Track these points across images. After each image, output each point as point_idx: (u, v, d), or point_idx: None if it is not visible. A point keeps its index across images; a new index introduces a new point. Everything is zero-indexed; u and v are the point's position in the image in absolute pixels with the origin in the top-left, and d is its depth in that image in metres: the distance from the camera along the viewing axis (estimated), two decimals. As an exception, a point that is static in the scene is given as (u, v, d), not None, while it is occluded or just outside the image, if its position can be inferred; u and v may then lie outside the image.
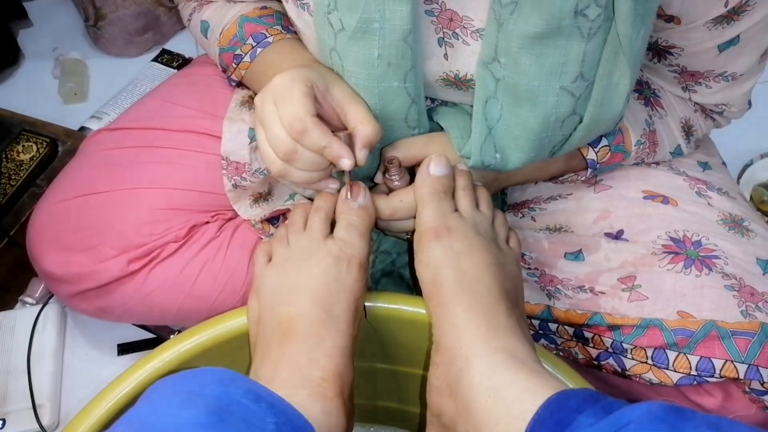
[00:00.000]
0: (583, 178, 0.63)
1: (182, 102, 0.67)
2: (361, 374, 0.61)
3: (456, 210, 0.51)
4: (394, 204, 0.53)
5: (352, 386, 0.47)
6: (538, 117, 0.50)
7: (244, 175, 0.63)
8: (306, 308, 0.46)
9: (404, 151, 0.56)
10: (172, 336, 0.81)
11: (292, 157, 0.48)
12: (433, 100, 0.61)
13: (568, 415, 0.35)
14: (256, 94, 0.66)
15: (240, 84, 0.65)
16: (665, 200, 0.59)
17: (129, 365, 0.51)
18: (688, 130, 0.63)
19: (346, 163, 0.48)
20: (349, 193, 0.52)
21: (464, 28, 0.51)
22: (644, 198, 0.60)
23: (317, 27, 0.52)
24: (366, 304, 0.53)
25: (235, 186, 0.64)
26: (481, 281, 0.46)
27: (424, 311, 0.52)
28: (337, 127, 0.53)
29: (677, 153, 0.64)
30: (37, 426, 0.72)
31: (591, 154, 0.60)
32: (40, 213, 0.65)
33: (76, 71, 1.12)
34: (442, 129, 0.58)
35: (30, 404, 0.74)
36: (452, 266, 0.47)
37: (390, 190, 0.56)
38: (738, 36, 0.52)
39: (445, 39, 0.52)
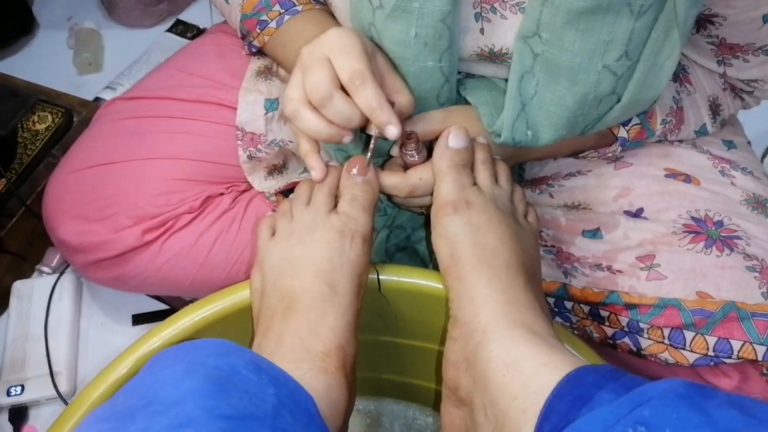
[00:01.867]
0: (605, 155, 0.62)
1: (197, 72, 0.67)
2: (374, 348, 0.61)
3: (475, 184, 0.51)
4: (413, 181, 0.53)
5: (355, 361, 0.47)
6: (576, 94, 0.49)
7: (259, 146, 0.63)
8: (309, 282, 0.46)
9: (423, 125, 0.55)
10: (185, 307, 0.82)
11: (325, 104, 0.47)
12: (460, 72, 0.60)
13: (588, 391, 0.35)
14: (275, 63, 0.65)
15: (257, 52, 0.64)
16: (687, 179, 0.58)
17: (141, 334, 0.51)
18: (715, 109, 0.62)
19: (392, 131, 0.47)
20: (353, 168, 0.51)
21: (503, 2, 0.50)
22: (666, 176, 0.59)
23: (354, 1, 0.51)
24: (380, 276, 0.53)
25: (250, 157, 0.63)
26: (500, 256, 0.46)
27: (439, 285, 0.52)
28: None
29: (702, 132, 0.62)
30: (54, 392, 0.74)
31: (622, 132, 0.59)
32: (56, 182, 0.65)
33: (90, 41, 1.12)
34: (466, 101, 0.57)
35: (47, 371, 0.75)
36: (471, 240, 0.46)
37: (405, 165, 0.55)
38: None
39: (482, 14, 0.51)
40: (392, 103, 0.49)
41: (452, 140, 0.51)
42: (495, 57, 0.54)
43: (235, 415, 0.33)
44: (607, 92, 0.49)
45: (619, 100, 0.50)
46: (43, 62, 1.12)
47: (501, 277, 0.45)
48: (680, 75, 0.61)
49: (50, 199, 0.65)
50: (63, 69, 1.10)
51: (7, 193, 0.84)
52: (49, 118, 0.91)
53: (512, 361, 0.40)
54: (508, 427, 0.38)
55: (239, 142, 0.63)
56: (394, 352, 0.62)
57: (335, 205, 0.51)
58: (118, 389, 0.48)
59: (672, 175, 0.59)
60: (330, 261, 0.47)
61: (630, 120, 0.58)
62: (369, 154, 0.51)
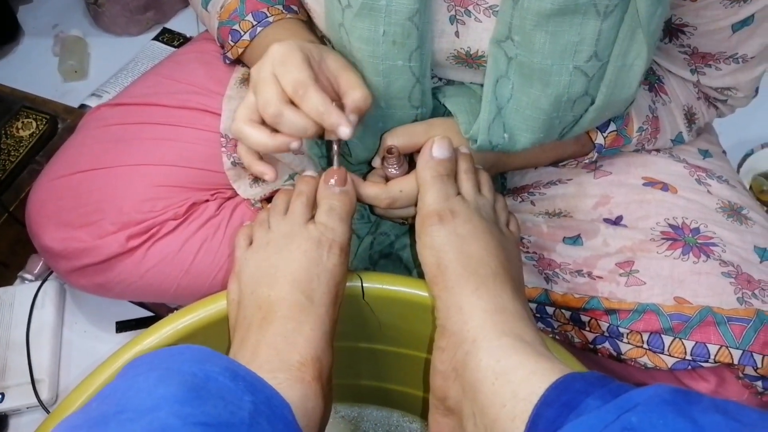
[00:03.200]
0: (585, 162, 0.63)
1: (182, 79, 0.67)
2: (356, 355, 0.61)
3: (459, 193, 0.51)
4: (394, 193, 0.53)
5: (331, 370, 0.47)
6: (549, 96, 0.50)
7: None
8: (285, 292, 0.46)
9: (405, 138, 0.56)
10: (169, 315, 0.81)
11: (277, 120, 0.48)
12: (440, 78, 0.61)
13: (575, 397, 0.35)
14: None
15: (237, 61, 0.65)
16: (665, 187, 0.59)
17: (125, 342, 0.51)
18: (690, 118, 0.63)
19: (344, 131, 0.47)
20: (331, 178, 0.52)
21: (477, 5, 0.51)
22: (644, 185, 0.60)
23: (326, 2, 0.52)
24: (364, 284, 0.53)
25: (234, 164, 0.63)
26: (487, 265, 0.46)
27: (423, 293, 0.52)
28: (332, 99, 0.53)
29: (678, 140, 0.64)
30: (35, 400, 0.73)
31: (599, 139, 0.60)
32: (40, 189, 0.65)
33: (76, 49, 1.11)
34: (446, 109, 0.58)
35: (29, 379, 0.74)
36: (457, 250, 0.47)
37: (387, 177, 0.56)
38: (753, 15, 0.52)
39: (457, 17, 0.52)
40: (342, 106, 0.50)
41: (436, 150, 0.51)
42: (472, 60, 0.55)
43: (211, 422, 0.33)
44: (580, 93, 0.50)
45: (593, 102, 0.51)
46: (28, 69, 1.11)
47: (488, 286, 0.45)
48: (656, 85, 0.62)
49: (34, 205, 0.65)
50: (48, 76, 1.10)
51: (-10, 200, 0.83)
52: (34, 124, 0.91)
53: (501, 370, 0.40)
54: None
55: (223, 149, 0.63)
56: (376, 360, 0.62)
57: (313, 215, 0.51)
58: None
59: (650, 183, 0.60)
60: (307, 271, 0.47)
61: (607, 127, 0.59)
62: (336, 159, 0.52)
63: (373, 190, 0.54)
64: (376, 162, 0.58)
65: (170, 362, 0.37)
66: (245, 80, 0.66)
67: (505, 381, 0.39)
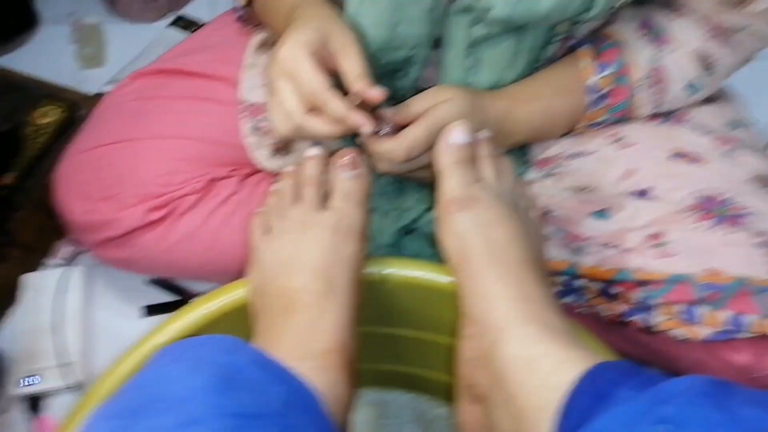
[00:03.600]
0: (604, 134, 0.61)
1: (201, 51, 0.67)
2: (379, 340, 0.61)
3: (479, 180, 0.50)
4: (409, 142, 0.52)
5: (356, 356, 0.47)
6: None
7: (261, 116, 0.63)
8: (306, 281, 0.46)
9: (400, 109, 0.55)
10: (194, 299, 0.82)
11: (302, 132, 0.50)
12: None
13: (607, 387, 0.35)
14: (268, 27, 0.65)
15: (252, 23, 0.64)
16: (693, 159, 0.58)
17: (153, 326, 0.52)
18: (705, 62, 0.60)
19: (367, 129, 0.48)
20: (342, 161, 0.51)
21: None
22: (671, 157, 0.59)
23: None
24: (386, 270, 0.53)
25: (255, 129, 0.63)
26: (511, 252, 0.46)
27: (447, 279, 0.52)
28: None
29: (692, 89, 0.61)
30: (68, 382, 0.74)
31: (591, 80, 0.59)
32: (65, 163, 0.67)
33: (93, 36, 1.11)
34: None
35: (61, 362, 0.75)
36: (480, 237, 0.46)
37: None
38: None
39: None
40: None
41: (455, 135, 0.50)
42: None
43: (243, 413, 0.33)
44: None
45: None
46: (46, 57, 1.11)
47: (513, 273, 0.44)
48: (657, 37, 0.60)
49: (59, 179, 0.66)
50: (66, 64, 1.10)
51: (14, 188, 0.84)
52: (53, 112, 0.91)
53: (530, 358, 0.39)
54: (527, 424, 0.38)
55: (242, 115, 0.63)
56: (399, 345, 0.62)
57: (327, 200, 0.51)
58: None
59: (678, 155, 0.59)
60: (326, 259, 0.47)
61: (603, 69, 0.58)
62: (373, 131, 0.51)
63: (387, 144, 0.53)
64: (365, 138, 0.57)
65: (201, 352, 0.38)
66: (262, 45, 0.66)
67: (534, 370, 0.39)
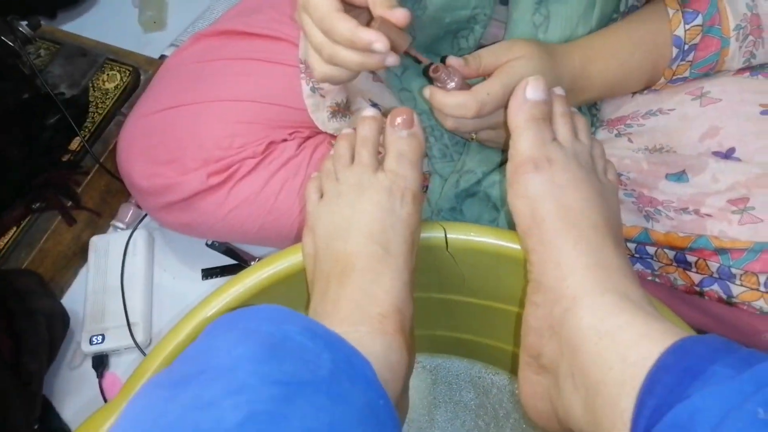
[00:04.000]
0: (685, 89, 0.56)
1: (264, 10, 0.66)
2: (440, 306, 0.60)
3: (554, 139, 0.47)
4: (482, 97, 0.49)
5: (413, 321, 0.46)
6: None
7: None
8: (362, 245, 0.45)
9: (483, 59, 0.51)
10: (252, 262, 0.83)
11: (333, 72, 0.47)
12: None
13: (699, 364, 0.32)
14: None
15: None
16: (787, 115, 0.53)
17: (212, 289, 0.52)
18: None
19: (378, 47, 0.44)
20: (397, 119, 0.49)
21: None
22: (762, 113, 0.54)
23: None
24: (448, 235, 0.51)
25: (314, 90, 0.62)
26: (587, 217, 0.43)
27: (512, 245, 0.49)
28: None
29: None
30: (132, 342, 0.76)
31: (679, 30, 0.53)
32: (128, 127, 0.67)
33: (154, 0, 1.12)
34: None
35: (125, 322, 0.78)
36: (554, 200, 0.43)
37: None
38: None
39: None
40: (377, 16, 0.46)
41: (530, 91, 0.47)
42: None
43: (289, 381, 0.33)
44: None
45: None
46: (109, 22, 1.13)
47: (589, 239, 0.42)
48: None
49: (123, 143, 0.67)
50: (129, 28, 1.12)
51: (82, 152, 0.86)
52: (118, 76, 0.93)
53: (606, 330, 0.37)
54: (603, 398, 0.35)
55: (302, 75, 0.62)
56: (458, 311, 0.61)
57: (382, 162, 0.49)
58: (191, 342, 0.50)
59: (768, 111, 0.54)
60: (381, 222, 0.46)
61: (693, 18, 0.53)
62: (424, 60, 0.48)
63: (459, 98, 0.49)
64: (426, 93, 0.53)
65: (248, 323, 0.37)
66: None
67: (611, 342, 0.36)
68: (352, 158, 0.50)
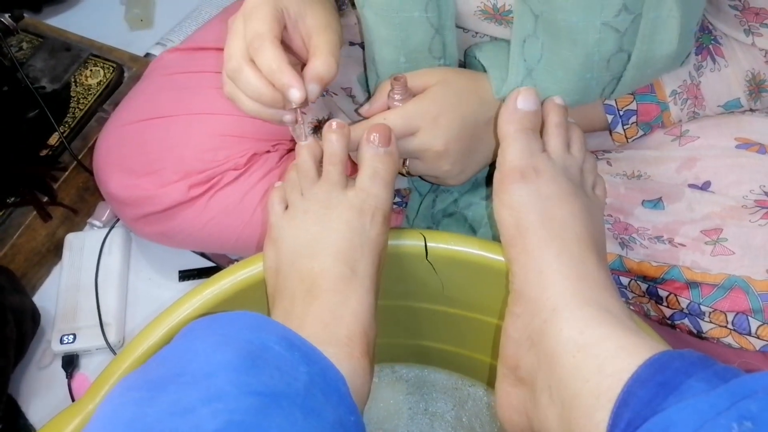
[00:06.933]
0: (664, 129, 0.58)
1: None
2: (418, 316, 0.60)
3: (544, 150, 0.47)
4: (377, 120, 0.50)
5: (375, 342, 0.46)
6: (578, 57, 0.46)
7: None
8: (329, 264, 0.45)
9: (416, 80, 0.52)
10: (229, 266, 0.82)
11: (236, 76, 0.46)
12: (476, 33, 0.57)
13: (675, 378, 0.32)
14: None
15: None
16: (762, 149, 0.54)
17: (189, 291, 0.51)
18: (757, 85, 0.56)
19: (294, 94, 0.44)
20: (374, 136, 0.48)
21: None
22: (737, 147, 0.55)
23: None
24: (428, 244, 0.51)
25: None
26: (571, 229, 0.43)
27: (493, 256, 0.50)
28: (302, 62, 0.49)
29: (731, 106, 0.57)
30: (104, 342, 0.75)
31: (610, 100, 0.55)
32: (106, 136, 0.66)
33: (141, -3, 1.11)
34: (483, 66, 0.54)
35: (98, 322, 0.77)
36: (539, 211, 0.44)
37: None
38: None
39: None
40: (308, 65, 0.46)
41: (522, 101, 0.47)
42: (500, 16, 0.51)
43: (266, 392, 0.33)
44: (613, 51, 0.45)
45: (629, 59, 0.46)
46: (95, 18, 1.12)
47: (572, 251, 0.42)
48: (710, 47, 0.56)
49: (100, 152, 0.66)
50: (114, 25, 1.10)
51: (60, 147, 0.85)
52: (101, 73, 0.92)
53: (585, 342, 0.37)
54: (579, 410, 0.36)
55: None
56: (437, 321, 0.61)
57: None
58: (164, 342, 0.49)
59: (744, 145, 0.55)
60: (350, 241, 0.45)
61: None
62: (298, 129, 0.48)
63: (355, 130, 0.50)
64: (364, 109, 0.54)
65: (228, 328, 0.37)
66: None
67: (589, 354, 0.37)
68: (318, 172, 0.49)
